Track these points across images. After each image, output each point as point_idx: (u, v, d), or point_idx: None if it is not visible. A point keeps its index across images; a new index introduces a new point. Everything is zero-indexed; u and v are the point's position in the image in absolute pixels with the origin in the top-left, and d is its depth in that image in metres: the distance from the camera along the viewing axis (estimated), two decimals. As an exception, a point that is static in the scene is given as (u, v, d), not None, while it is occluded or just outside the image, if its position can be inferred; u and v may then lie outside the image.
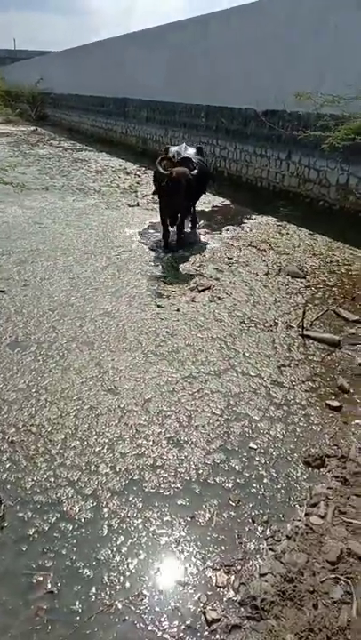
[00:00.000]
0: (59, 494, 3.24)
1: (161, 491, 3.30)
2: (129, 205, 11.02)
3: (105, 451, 3.63)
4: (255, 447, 3.71)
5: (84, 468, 3.47)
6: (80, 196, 11.87)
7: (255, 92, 11.82)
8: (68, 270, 7.04)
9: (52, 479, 3.37)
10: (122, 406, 4.10)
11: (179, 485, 3.34)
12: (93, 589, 2.68)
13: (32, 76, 31.46)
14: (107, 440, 3.73)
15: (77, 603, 2.61)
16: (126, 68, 19.82)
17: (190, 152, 8.54)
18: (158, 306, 5.97)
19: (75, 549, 2.89)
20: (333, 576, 2.67)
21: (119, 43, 20.59)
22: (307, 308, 5.89)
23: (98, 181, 13.73)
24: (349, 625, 2.41)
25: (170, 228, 8.21)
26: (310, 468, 3.53)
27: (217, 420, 3.99)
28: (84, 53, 25.43)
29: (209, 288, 6.52)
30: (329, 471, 3.51)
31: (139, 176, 14.64)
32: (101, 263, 7.35)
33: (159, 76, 17.14)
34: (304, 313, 5.56)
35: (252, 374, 4.63)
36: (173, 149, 8.32)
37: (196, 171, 7.58)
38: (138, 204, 11.12)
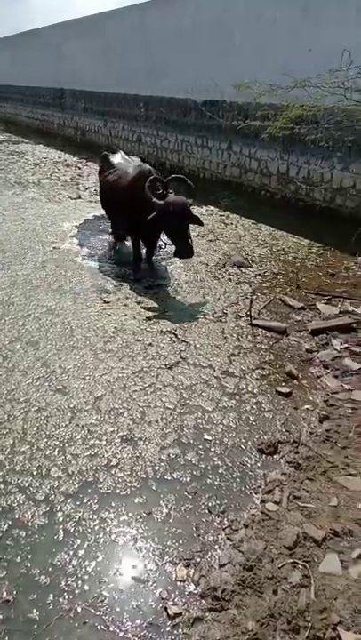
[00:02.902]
0: (9, 501, 3.12)
1: (117, 491, 3.24)
2: (71, 198, 10.76)
3: (56, 453, 3.52)
4: (210, 438, 3.72)
5: (35, 472, 3.36)
6: (19, 189, 11.47)
7: (194, 81, 11.79)
8: (7, 267, 6.78)
9: (2, 486, 3.23)
10: (72, 406, 4.00)
11: (135, 484, 3.30)
12: (51, 596, 2.61)
13: None
14: (57, 442, 3.62)
15: (35, 610, 2.54)
16: (63, 57, 19.30)
17: (136, 162, 7.02)
18: (105, 302, 5.86)
19: (29, 556, 2.80)
20: (291, 561, 2.72)
21: (55, 31, 19.96)
22: (254, 297, 5.97)
23: (37, 174, 13.31)
24: (308, 607, 2.47)
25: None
26: (264, 456, 3.58)
27: (170, 414, 3.96)
28: (19, 42, 24.51)
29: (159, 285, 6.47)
30: (282, 457, 3.57)
31: (79, 168, 14.32)
32: (41, 258, 7.14)
33: (97, 66, 16.79)
34: (251, 302, 5.62)
35: (204, 365, 4.64)
36: (116, 159, 7.21)
37: (191, 199, 6.07)
38: (80, 197, 10.88)
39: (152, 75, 13.71)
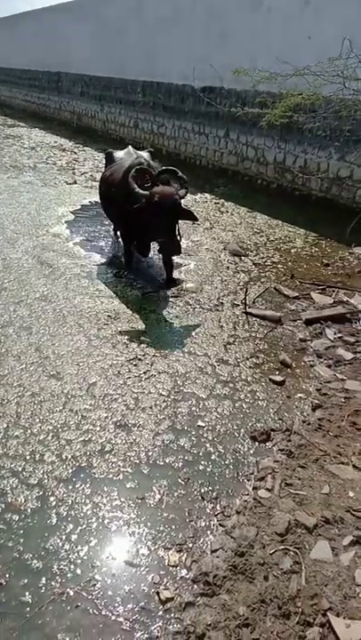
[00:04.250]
0: (2, 485, 3.12)
1: (110, 476, 3.25)
2: (67, 183, 10.65)
3: (50, 438, 3.52)
4: (203, 425, 3.73)
5: (28, 457, 3.35)
6: (14, 173, 11.34)
7: (193, 67, 11.64)
8: (-1, 251, 6.73)
9: (-5, 470, 3.23)
10: (66, 392, 3.99)
11: (128, 469, 3.31)
12: (43, 579, 2.62)
13: None
14: (51, 427, 3.62)
15: (27, 594, 2.55)
16: (60, 40, 18.98)
17: (145, 156, 6.35)
18: (97, 289, 5.82)
19: (22, 540, 2.81)
20: (282, 547, 2.74)
21: (51, 13, 19.61)
22: (249, 286, 5.96)
23: (32, 158, 13.16)
24: (299, 593, 2.49)
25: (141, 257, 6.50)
26: (257, 443, 3.59)
27: (164, 400, 3.97)
28: (14, 24, 24.06)
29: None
30: (275, 445, 3.58)
31: (75, 153, 14.17)
32: (34, 243, 7.07)
33: (94, 50, 16.55)
34: (246, 291, 5.61)
35: (199, 354, 4.63)
36: (119, 154, 6.75)
37: (184, 191, 5.44)
38: (75, 182, 10.77)
39: (150, 59, 13.53)
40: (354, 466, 3.32)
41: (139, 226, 5.61)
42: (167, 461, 3.39)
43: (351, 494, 3.09)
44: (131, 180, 5.25)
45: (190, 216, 5.52)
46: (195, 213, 5.63)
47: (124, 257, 6.55)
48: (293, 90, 7.73)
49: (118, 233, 7.22)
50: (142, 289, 5.88)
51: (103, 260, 6.69)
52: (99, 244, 7.31)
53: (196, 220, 5.72)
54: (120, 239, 7.06)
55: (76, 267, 6.38)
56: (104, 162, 7.31)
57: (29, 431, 3.57)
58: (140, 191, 5.17)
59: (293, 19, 8.88)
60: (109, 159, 6.86)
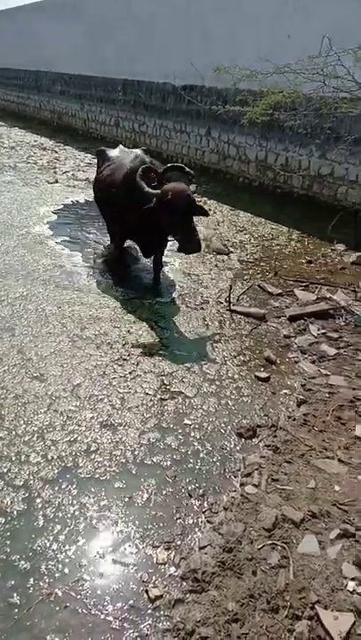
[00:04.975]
0: (-12, 488, 3.09)
1: (97, 475, 3.23)
2: (48, 182, 10.56)
3: (35, 439, 3.49)
4: (190, 423, 3.73)
5: (13, 458, 3.32)
6: (-6, 173, 11.21)
7: (174, 65, 11.63)
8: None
9: (-20, 473, 3.19)
10: (50, 393, 3.96)
11: (115, 469, 3.29)
12: (31, 580, 2.60)
13: None
14: (36, 428, 3.58)
15: (15, 595, 2.53)
16: (39, 39, 18.79)
17: (135, 154, 5.96)
18: (78, 289, 5.77)
19: (8, 542, 2.78)
20: (270, 542, 2.76)
21: (30, 12, 19.40)
22: (233, 283, 5.98)
23: (13, 157, 13.01)
24: (287, 587, 2.51)
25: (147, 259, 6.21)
26: (243, 439, 3.61)
27: (151, 399, 3.96)
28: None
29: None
30: (261, 441, 3.60)
31: (56, 152, 14.06)
32: (14, 243, 7.00)
33: (74, 49, 16.42)
34: (231, 288, 5.63)
35: (185, 352, 4.63)
36: (113, 152, 6.46)
37: (194, 186, 5.29)
38: (57, 181, 10.68)
39: (130, 58, 13.48)
40: (339, 460, 3.36)
41: (148, 227, 5.38)
42: (154, 460, 3.38)
43: (337, 488, 3.12)
44: (139, 179, 5.02)
45: (203, 211, 5.31)
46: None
47: (113, 256, 6.45)
48: (274, 88, 7.77)
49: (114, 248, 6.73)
50: (126, 288, 5.86)
51: (86, 261, 6.64)
52: (81, 243, 7.26)
53: (207, 214, 5.43)
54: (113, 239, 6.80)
55: (57, 267, 6.33)
56: (96, 161, 6.91)
57: (14, 432, 3.53)
58: (151, 191, 4.95)
59: (273, 17, 8.92)
60: (103, 158, 6.51)
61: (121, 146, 6.68)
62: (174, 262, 6.66)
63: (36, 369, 4.25)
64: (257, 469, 3.29)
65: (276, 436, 3.62)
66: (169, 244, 5.77)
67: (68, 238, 7.38)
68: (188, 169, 5.43)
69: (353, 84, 6.88)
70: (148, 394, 4.02)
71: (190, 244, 5.02)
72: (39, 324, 4.94)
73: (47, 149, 14.45)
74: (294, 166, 9.17)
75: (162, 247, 5.92)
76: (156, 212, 4.91)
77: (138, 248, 6.34)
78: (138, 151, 6.09)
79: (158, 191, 4.92)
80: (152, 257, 6.04)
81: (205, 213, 5.33)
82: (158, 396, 4.00)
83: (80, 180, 10.98)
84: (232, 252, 7.14)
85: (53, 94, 18.88)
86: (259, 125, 8.82)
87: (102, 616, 2.45)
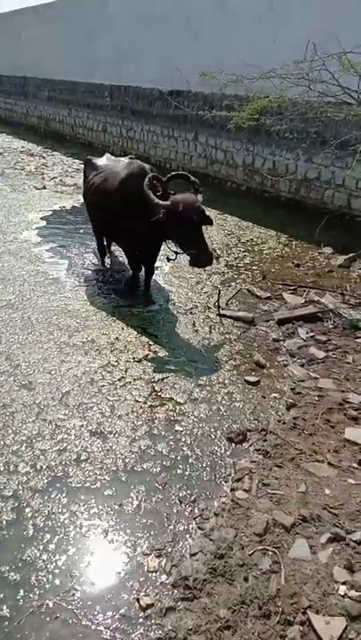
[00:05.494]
0: (-24, 499, 3.06)
1: (87, 484, 3.21)
2: (36, 188, 10.53)
3: (24, 449, 3.46)
4: (180, 429, 3.72)
5: (1, 468, 3.29)
6: (-19, 180, 11.16)
7: (161, 71, 11.67)
8: None
9: (-32, 484, 3.16)
10: (38, 402, 3.93)
11: (105, 477, 3.28)
12: (21, 592, 2.57)
13: None
14: (25, 438, 3.56)
15: (5, 607, 2.50)
16: (25, 44, 18.77)
17: (126, 161, 5.91)
18: (66, 296, 5.74)
19: (-3, 554, 2.75)
20: (261, 547, 2.75)
21: (16, 17, 19.38)
22: (222, 288, 5.99)
23: (0, 164, 12.96)
24: (279, 593, 2.51)
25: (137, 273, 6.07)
26: (233, 444, 3.61)
27: (141, 407, 3.95)
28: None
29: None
30: (251, 445, 3.60)
31: (44, 158, 14.03)
32: (1, 250, 6.97)
33: (61, 54, 16.41)
34: (219, 293, 5.64)
35: (175, 358, 4.62)
36: (101, 161, 6.26)
37: (201, 196, 5.15)
38: (45, 187, 10.66)
39: (117, 63, 13.49)
40: (329, 463, 3.37)
41: (146, 235, 5.30)
42: (145, 467, 3.37)
43: (327, 492, 3.13)
44: (147, 190, 4.79)
45: (210, 221, 5.11)
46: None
47: (131, 280, 6.16)
48: (260, 93, 7.81)
49: (118, 245, 6.65)
50: (115, 295, 5.85)
51: (74, 267, 6.62)
52: (69, 250, 7.23)
53: (212, 223, 5.20)
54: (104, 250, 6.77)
55: (44, 274, 6.30)
56: (83, 170, 6.74)
57: (2, 442, 3.50)
58: (161, 202, 4.74)
59: (259, 22, 8.98)
60: (91, 167, 6.28)
61: (108, 154, 6.57)
62: (164, 267, 6.66)
63: (23, 376, 4.22)
64: (247, 474, 3.29)
65: (266, 440, 3.63)
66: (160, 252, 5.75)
67: (56, 245, 7.36)
68: (193, 178, 5.29)
69: (338, 89, 6.93)
70: (138, 401, 4.01)
71: (204, 257, 4.94)
72: (26, 332, 4.91)
73: (35, 155, 14.41)
74: (281, 170, 9.22)
75: (155, 257, 5.83)
76: (164, 223, 4.77)
77: (126, 260, 6.20)
78: (125, 160, 5.97)
79: (168, 202, 4.75)
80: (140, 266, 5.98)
81: (211, 222, 5.17)
82: (149, 403, 3.99)
83: (68, 185, 10.97)
84: (220, 256, 7.15)
85: (40, 100, 18.84)
86: (246, 130, 8.86)
87: (93, 626, 2.43)
